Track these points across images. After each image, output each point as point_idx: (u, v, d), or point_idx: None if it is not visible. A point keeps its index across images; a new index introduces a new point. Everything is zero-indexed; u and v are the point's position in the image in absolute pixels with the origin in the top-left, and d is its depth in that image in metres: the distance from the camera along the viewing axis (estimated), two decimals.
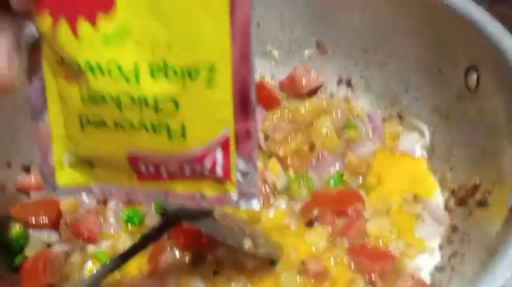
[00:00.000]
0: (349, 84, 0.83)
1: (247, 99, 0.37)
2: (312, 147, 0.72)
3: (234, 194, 0.41)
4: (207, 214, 0.54)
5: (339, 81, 0.84)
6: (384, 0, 0.73)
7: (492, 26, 0.62)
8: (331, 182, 0.70)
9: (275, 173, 0.70)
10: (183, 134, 0.38)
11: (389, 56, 0.77)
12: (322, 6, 0.78)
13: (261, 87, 0.80)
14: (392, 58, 0.77)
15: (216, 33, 0.35)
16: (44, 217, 0.66)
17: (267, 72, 0.86)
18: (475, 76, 0.64)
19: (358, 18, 0.77)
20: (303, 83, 0.82)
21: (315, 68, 0.83)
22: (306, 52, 0.84)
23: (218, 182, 0.41)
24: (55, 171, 0.42)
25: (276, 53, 0.86)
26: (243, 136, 0.39)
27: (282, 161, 0.72)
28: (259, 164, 0.72)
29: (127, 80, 0.36)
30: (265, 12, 0.81)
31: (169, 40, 0.35)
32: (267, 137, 0.74)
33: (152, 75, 0.36)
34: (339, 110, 0.76)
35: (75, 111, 0.39)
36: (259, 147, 0.74)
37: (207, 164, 0.39)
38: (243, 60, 0.36)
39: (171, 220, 0.56)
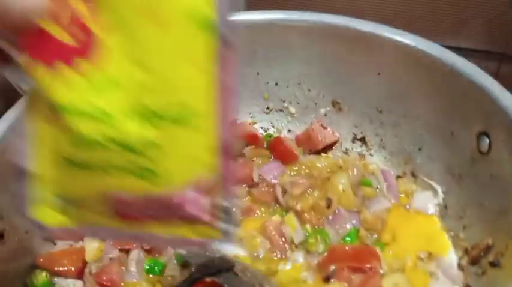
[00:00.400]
0: (363, 141, 0.86)
1: (228, 144, 0.39)
2: (328, 203, 0.74)
3: (217, 238, 0.43)
4: (229, 269, 0.56)
5: (354, 139, 0.87)
6: (398, 65, 0.77)
7: (502, 94, 0.65)
8: (347, 238, 0.72)
9: (292, 227, 0.72)
10: (166, 177, 0.39)
11: (403, 117, 0.80)
12: (340, 68, 0.82)
13: (279, 142, 0.83)
14: (406, 119, 0.80)
15: (199, 82, 0.37)
16: (69, 266, 0.68)
17: (284, 127, 0.90)
18: (487, 141, 0.67)
19: (374, 81, 0.81)
20: (319, 139, 0.85)
21: (331, 125, 0.87)
22: (322, 110, 0.87)
23: (201, 225, 0.42)
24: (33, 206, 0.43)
25: (293, 109, 0.89)
26: (226, 179, 0.40)
27: (299, 215, 0.74)
28: (277, 217, 0.74)
29: (110, 124, 0.37)
30: (284, 72, 0.86)
31: (155, 87, 0.37)
32: (284, 192, 0.77)
33: (135, 120, 0.37)
34: (354, 167, 0.79)
35: (58, 153, 0.40)
36: (277, 202, 0.77)
37: (190, 208, 0.41)
38: (227, 107, 0.38)
39: (195, 275, 0.57)
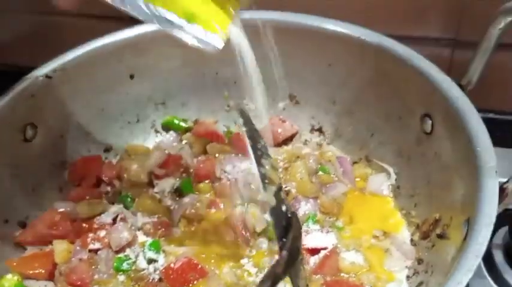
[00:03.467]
0: (321, 131, 0.90)
1: None
2: (287, 191, 0.78)
3: None
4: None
5: (312, 129, 0.91)
6: (346, 56, 0.81)
7: (441, 77, 0.70)
8: (307, 223, 0.75)
9: (254, 217, 0.75)
10: None
11: (355, 105, 0.84)
12: (293, 63, 0.85)
13: (239, 137, 0.86)
14: (358, 107, 0.84)
15: None
16: (39, 269, 0.71)
17: None
18: (429, 122, 0.72)
19: (325, 73, 0.85)
20: (279, 132, 0.89)
21: (289, 118, 0.90)
22: (280, 104, 0.91)
23: None
24: None
25: (252, 106, 0.92)
26: None
27: (260, 205, 0.77)
28: (240, 209, 0.77)
29: None
30: (241, 71, 0.89)
31: None
32: (246, 184, 0.80)
33: None
34: (311, 156, 0.82)
35: None
36: (240, 194, 0.80)
37: None
38: None
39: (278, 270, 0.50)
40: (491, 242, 0.77)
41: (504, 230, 0.76)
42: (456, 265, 0.50)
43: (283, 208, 0.54)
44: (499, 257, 0.74)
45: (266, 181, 0.54)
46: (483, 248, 0.50)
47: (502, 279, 0.73)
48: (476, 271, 0.74)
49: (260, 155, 0.56)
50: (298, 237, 0.54)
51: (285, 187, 0.79)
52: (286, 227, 0.53)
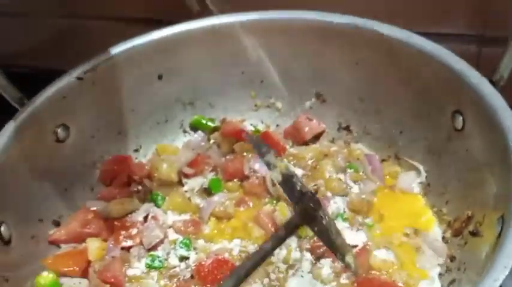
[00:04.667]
0: (348, 130, 0.90)
1: None
2: (316, 189, 0.78)
3: None
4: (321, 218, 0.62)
5: (339, 128, 0.90)
6: (374, 54, 0.80)
7: (470, 73, 0.69)
8: (339, 220, 0.75)
9: (283, 215, 0.76)
10: None
11: (383, 103, 0.84)
12: (320, 62, 0.86)
13: (266, 136, 0.87)
14: (386, 104, 0.84)
15: None
16: (74, 267, 0.72)
17: (272, 122, 0.94)
18: (460, 118, 0.71)
19: (353, 71, 0.84)
20: (306, 131, 0.89)
21: (316, 116, 0.90)
22: (307, 103, 0.91)
23: None
24: None
25: (279, 105, 0.93)
26: None
27: (289, 204, 0.78)
28: (269, 207, 0.78)
29: None
30: (268, 70, 0.89)
31: None
32: (274, 183, 0.81)
33: None
34: (339, 154, 0.82)
35: None
36: (268, 192, 0.80)
37: None
38: None
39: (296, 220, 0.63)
40: None
41: None
42: (491, 263, 0.49)
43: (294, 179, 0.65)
44: None
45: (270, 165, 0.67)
46: None
47: None
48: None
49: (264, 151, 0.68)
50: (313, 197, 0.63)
51: (314, 185, 0.79)
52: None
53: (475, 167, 0.68)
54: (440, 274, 0.68)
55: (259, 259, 0.60)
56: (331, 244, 0.62)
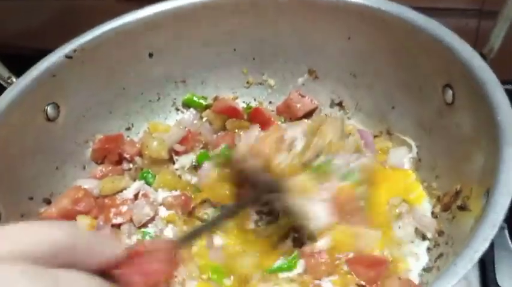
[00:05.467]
0: (341, 106, 0.89)
1: None
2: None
3: None
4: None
5: (332, 104, 0.90)
6: (366, 28, 0.79)
7: (462, 46, 0.68)
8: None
9: None
10: None
11: (375, 78, 0.83)
12: (311, 37, 0.85)
13: (258, 112, 0.87)
14: (378, 80, 0.83)
15: None
16: None
17: (265, 99, 0.93)
18: (450, 92, 0.70)
19: (345, 46, 0.83)
20: (298, 107, 0.88)
21: (309, 92, 0.90)
22: (300, 79, 0.90)
23: None
24: None
25: (272, 81, 0.92)
26: None
27: None
28: None
29: None
30: (259, 47, 0.88)
31: None
32: None
33: None
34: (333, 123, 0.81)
35: None
36: None
37: None
38: None
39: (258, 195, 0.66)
40: None
41: None
42: (473, 235, 0.49)
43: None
44: None
45: None
46: (500, 218, 0.49)
47: None
48: (503, 244, 0.74)
49: None
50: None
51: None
52: None
53: (465, 141, 0.67)
54: (428, 249, 0.68)
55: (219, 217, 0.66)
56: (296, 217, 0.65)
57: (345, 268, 0.67)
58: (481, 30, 0.94)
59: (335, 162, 0.69)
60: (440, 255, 0.65)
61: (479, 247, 0.47)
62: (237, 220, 0.72)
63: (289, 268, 0.67)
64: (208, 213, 0.76)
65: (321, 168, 0.68)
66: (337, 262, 0.67)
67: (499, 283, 0.70)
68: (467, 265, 0.46)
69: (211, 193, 0.76)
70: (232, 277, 0.68)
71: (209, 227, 0.67)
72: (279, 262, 0.68)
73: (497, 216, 0.49)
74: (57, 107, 0.80)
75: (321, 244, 0.66)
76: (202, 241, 0.73)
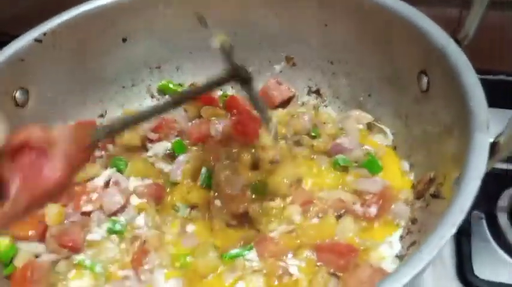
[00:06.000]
0: (318, 93, 0.88)
1: None
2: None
3: None
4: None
5: (309, 91, 0.89)
6: (343, 15, 0.78)
7: (438, 33, 0.67)
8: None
9: None
10: None
11: (352, 65, 0.82)
12: (288, 25, 0.84)
13: (233, 100, 0.85)
14: (355, 67, 0.82)
15: None
16: (30, 230, 0.71)
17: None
18: (425, 79, 0.69)
19: (322, 33, 0.82)
20: (275, 95, 0.87)
21: (287, 80, 0.88)
22: (277, 67, 0.89)
23: None
24: None
25: (249, 69, 0.90)
26: None
27: None
28: None
29: None
30: (236, 33, 0.87)
31: None
32: None
33: None
34: (306, 115, 0.81)
35: None
36: None
37: None
38: None
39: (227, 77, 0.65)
40: (496, 204, 0.75)
41: (509, 192, 0.74)
42: (441, 220, 0.48)
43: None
44: (503, 220, 0.73)
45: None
46: (468, 203, 0.48)
47: (506, 242, 0.71)
48: (480, 235, 0.74)
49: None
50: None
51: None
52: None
53: (439, 128, 0.66)
54: (401, 237, 0.67)
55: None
56: (260, 110, 0.66)
57: (312, 256, 0.66)
58: (462, 19, 0.93)
59: None
60: (413, 243, 0.64)
61: (445, 233, 0.46)
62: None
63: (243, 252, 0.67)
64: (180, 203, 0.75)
65: None
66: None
67: (477, 274, 0.69)
68: (432, 251, 0.45)
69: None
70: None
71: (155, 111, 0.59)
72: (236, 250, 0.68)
73: (465, 201, 0.48)
74: (26, 92, 0.78)
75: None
76: (175, 229, 0.72)
